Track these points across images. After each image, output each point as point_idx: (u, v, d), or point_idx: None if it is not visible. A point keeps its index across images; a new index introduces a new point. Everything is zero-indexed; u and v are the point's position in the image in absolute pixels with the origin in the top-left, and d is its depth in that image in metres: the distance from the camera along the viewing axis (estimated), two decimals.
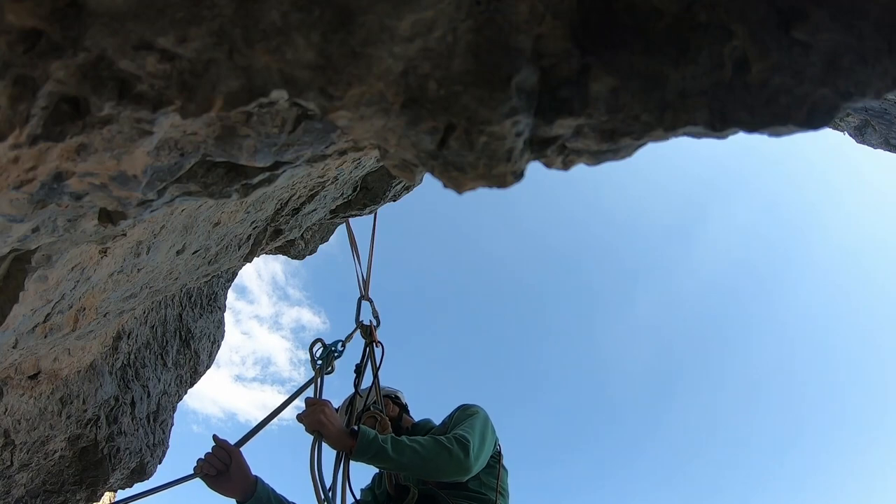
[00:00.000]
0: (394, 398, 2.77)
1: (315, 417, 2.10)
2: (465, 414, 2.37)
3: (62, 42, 0.71)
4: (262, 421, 2.33)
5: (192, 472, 2.10)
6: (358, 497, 2.37)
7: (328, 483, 2.06)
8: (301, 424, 2.14)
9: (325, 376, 2.42)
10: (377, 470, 2.53)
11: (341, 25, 0.70)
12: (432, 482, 2.28)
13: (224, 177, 1.04)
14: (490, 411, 2.63)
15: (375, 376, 2.55)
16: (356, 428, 2.08)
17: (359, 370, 2.58)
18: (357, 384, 2.56)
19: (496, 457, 2.40)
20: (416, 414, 2.81)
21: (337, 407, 2.54)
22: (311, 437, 2.10)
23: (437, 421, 2.59)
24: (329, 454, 2.14)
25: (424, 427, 2.60)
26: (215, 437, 2.15)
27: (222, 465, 2.08)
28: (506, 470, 2.43)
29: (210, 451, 2.11)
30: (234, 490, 2.09)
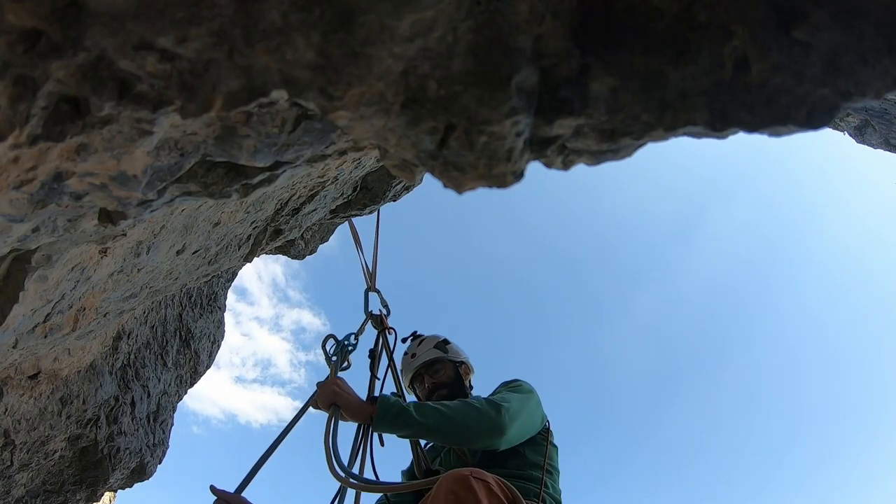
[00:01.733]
0: (459, 362, 2.61)
1: (328, 390, 1.96)
2: (506, 386, 2.23)
3: (62, 42, 0.71)
4: (266, 452, 2.18)
5: None
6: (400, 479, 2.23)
7: (346, 467, 1.91)
8: (319, 411, 1.99)
9: (342, 373, 2.35)
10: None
11: (341, 25, 0.70)
12: (468, 459, 2.11)
13: (224, 177, 1.04)
14: None
15: (391, 360, 2.48)
16: (375, 396, 1.96)
17: (373, 354, 2.54)
18: (373, 368, 2.50)
19: (544, 433, 2.22)
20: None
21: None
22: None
23: None
24: (345, 434, 2.02)
25: None
26: (213, 489, 2.00)
27: None
28: (555, 447, 2.23)
29: None
30: None
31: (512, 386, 2.23)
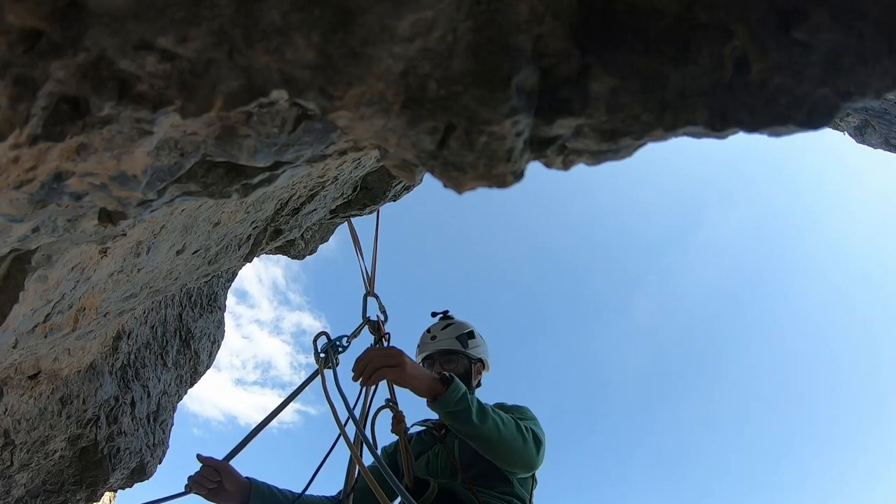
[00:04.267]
0: (476, 359, 2.63)
1: (393, 351, 1.77)
2: (525, 414, 2.23)
3: (62, 42, 0.71)
4: (257, 427, 2.28)
5: (184, 489, 2.10)
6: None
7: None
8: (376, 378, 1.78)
9: (327, 371, 2.36)
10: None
11: (341, 25, 0.70)
12: (466, 478, 2.16)
13: (224, 177, 1.04)
14: None
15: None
16: (448, 375, 1.86)
17: None
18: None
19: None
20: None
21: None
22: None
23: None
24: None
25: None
26: (199, 457, 2.11)
27: (213, 484, 2.08)
28: (536, 481, 2.34)
29: (199, 471, 2.10)
30: (230, 498, 2.12)
31: (531, 417, 2.22)
